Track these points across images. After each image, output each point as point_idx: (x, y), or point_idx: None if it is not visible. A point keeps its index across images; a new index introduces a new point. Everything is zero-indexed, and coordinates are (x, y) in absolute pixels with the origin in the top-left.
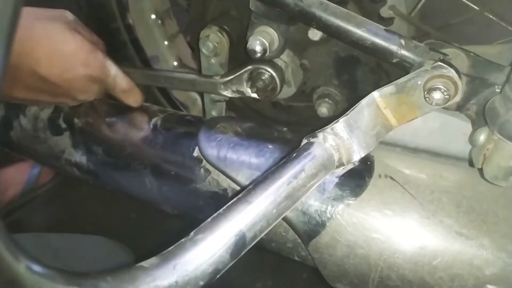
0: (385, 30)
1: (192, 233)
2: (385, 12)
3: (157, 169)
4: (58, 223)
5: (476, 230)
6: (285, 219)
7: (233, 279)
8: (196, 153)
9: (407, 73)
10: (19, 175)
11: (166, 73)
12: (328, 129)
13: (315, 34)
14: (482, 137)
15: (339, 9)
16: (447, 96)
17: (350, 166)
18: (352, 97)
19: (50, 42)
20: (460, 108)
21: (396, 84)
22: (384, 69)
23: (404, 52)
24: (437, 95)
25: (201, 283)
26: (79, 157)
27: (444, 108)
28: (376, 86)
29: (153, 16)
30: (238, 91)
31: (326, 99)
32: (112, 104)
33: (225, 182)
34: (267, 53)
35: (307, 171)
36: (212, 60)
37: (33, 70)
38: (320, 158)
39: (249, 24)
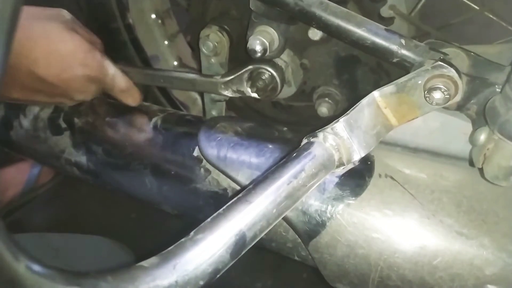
0: (386, 29)
1: (192, 233)
2: (385, 11)
3: (157, 169)
4: (58, 223)
5: (476, 230)
6: (285, 219)
7: (233, 278)
8: (196, 152)
9: (408, 72)
10: (19, 175)
11: (166, 72)
12: (328, 128)
13: (315, 34)
14: (482, 136)
15: (339, 8)
16: (448, 96)
17: (350, 166)
18: (352, 96)
19: (47, 42)
20: (460, 107)
21: (396, 84)
22: (384, 69)
23: (404, 52)
24: (437, 95)
25: (201, 282)
26: (79, 156)
27: (444, 107)
28: (377, 85)
29: (153, 16)
30: (238, 91)
31: (326, 99)
32: (112, 104)
33: (225, 182)
34: (267, 53)
35: (307, 170)
36: (212, 60)
37: (31, 71)
38: (320, 158)
39: (249, 23)
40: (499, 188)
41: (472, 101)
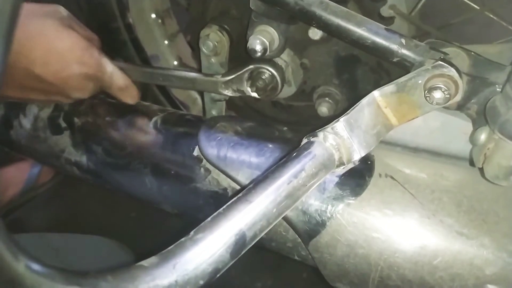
0: (386, 29)
1: (192, 233)
2: (385, 11)
3: (157, 169)
4: (58, 223)
5: (476, 230)
6: (285, 218)
7: (233, 278)
8: (196, 152)
9: (408, 72)
10: (19, 175)
11: (165, 71)
12: (328, 128)
13: (315, 33)
14: (482, 136)
15: (339, 8)
16: (448, 96)
17: (350, 166)
18: (353, 96)
19: (45, 40)
20: (460, 107)
21: (396, 83)
22: (384, 69)
23: (404, 51)
24: (437, 94)
25: (201, 282)
26: (79, 156)
27: (444, 107)
28: (377, 85)
29: (153, 16)
30: (238, 90)
31: (327, 99)
32: (112, 104)
33: (225, 182)
34: (268, 53)
35: (308, 170)
36: (212, 60)
37: (28, 69)
38: (320, 158)
39: (249, 23)
40: (500, 188)
41: (472, 100)
